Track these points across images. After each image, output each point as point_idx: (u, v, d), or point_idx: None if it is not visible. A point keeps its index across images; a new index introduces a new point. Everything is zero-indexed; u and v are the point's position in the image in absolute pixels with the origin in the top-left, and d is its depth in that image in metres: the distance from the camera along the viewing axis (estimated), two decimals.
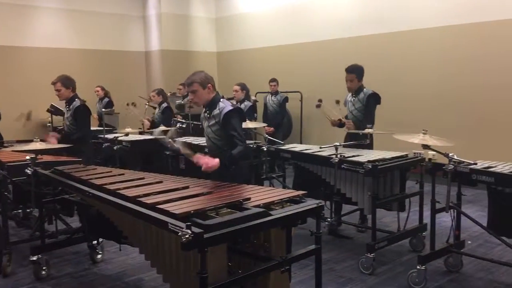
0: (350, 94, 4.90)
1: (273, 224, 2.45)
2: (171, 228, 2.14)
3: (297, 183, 4.84)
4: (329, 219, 4.62)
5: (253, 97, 8.35)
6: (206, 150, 3.83)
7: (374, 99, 4.77)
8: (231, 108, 3.49)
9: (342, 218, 4.83)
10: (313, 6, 8.92)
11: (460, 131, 6.68)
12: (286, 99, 8.24)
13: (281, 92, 8.36)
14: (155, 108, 7.22)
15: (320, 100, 5.00)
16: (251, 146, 5.05)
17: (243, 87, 6.36)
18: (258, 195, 2.71)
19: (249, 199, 2.59)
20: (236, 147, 3.40)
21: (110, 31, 10.02)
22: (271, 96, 8.29)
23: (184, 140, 3.32)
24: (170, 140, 3.71)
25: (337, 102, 4.95)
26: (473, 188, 3.60)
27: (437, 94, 7.19)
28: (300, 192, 2.81)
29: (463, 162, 3.46)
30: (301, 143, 8.57)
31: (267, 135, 5.30)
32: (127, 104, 6.87)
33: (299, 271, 3.79)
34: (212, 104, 3.54)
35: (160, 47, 10.26)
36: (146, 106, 7.44)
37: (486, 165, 3.44)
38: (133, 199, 2.60)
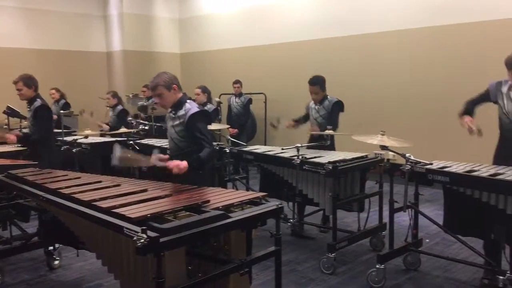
0: (312, 102, 4.93)
1: (232, 227, 2.43)
2: (126, 233, 2.10)
3: (263, 185, 4.86)
4: (292, 220, 4.65)
5: (217, 99, 8.32)
6: (168, 152, 3.77)
7: (338, 106, 4.83)
8: (197, 110, 3.43)
9: (305, 219, 4.87)
10: (277, 8, 8.97)
11: (417, 132, 6.86)
12: (250, 101, 8.25)
13: (245, 93, 8.36)
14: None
15: (274, 124, 5.09)
16: (214, 148, 5.02)
17: (204, 89, 6.32)
18: (218, 197, 2.69)
19: (208, 201, 2.57)
20: (204, 149, 3.33)
21: (69, 31, 9.78)
22: (235, 98, 8.28)
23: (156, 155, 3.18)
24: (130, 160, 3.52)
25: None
26: (431, 187, 3.70)
27: (395, 96, 7.37)
28: (260, 194, 2.81)
29: (420, 162, 3.54)
30: (265, 144, 8.60)
31: (230, 137, 5.27)
32: (80, 113, 6.73)
33: (261, 272, 3.79)
34: (178, 104, 3.47)
35: (122, 48, 10.09)
36: (108, 109, 7.30)
37: (442, 165, 3.53)
38: (88, 203, 2.53)
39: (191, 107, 3.44)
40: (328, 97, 4.84)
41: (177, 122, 3.45)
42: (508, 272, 3.17)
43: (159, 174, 3.33)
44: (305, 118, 5.05)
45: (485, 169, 3.31)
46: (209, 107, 6.27)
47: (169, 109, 3.53)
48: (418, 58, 7.13)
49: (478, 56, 6.46)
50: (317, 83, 4.79)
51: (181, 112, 3.43)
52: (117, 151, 3.17)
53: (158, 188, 2.91)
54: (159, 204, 2.50)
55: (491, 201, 3.12)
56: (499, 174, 3.15)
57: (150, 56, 10.33)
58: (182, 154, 3.39)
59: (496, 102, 3.60)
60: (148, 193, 2.76)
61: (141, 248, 1.95)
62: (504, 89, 3.54)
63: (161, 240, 2.00)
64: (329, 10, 8.18)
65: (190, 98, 3.61)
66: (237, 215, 2.43)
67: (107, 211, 2.38)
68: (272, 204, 2.64)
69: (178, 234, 2.09)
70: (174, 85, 3.42)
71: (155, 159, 3.17)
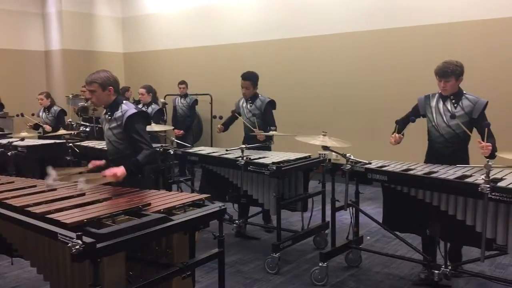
0: (243, 100, 4.93)
1: (174, 230, 2.40)
2: (61, 239, 2.02)
3: (204, 186, 4.82)
4: (237, 221, 4.65)
5: (162, 100, 8.21)
6: (107, 155, 3.66)
7: (271, 105, 4.87)
8: (134, 111, 3.34)
9: (250, 220, 4.88)
10: (222, 9, 8.96)
11: (358, 132, 7.09)
12: (195, 102, 8.18)
13: (191, 94, 8.28)
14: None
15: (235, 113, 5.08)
16: (158, 149, 4.95)
17: (149, 89, 6.20)
18: (159, 200, 2.65)
19: (149, 204, 2.52)
20: (141, 151, 3.23)
21: (5, 29, 9.32)
22: (181, 99, 8.18)
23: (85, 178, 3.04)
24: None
25: (236, 113, 5.00)
26: (373, 186, 3.82)
27: (336, 97, 7.57)
28: (203, 196, 2.79)
29: (360, 162, 3.64)
30: (212, 146, 8.57)
31: (173, 138, 5.20)
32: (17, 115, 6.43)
33: (206, 275, 3.77)
34: (114, 106, 3.37)
35: (61, 47, 9.72)
36: (41, 110, 7.01)
37: (380, 164, 3.65)
38: (21, 209, 2.42)
39: (128, 108, 3.34)
40: (260, 96, 4.86)
41: (114, 124, 3.35)
42: (443, 266, 3.32)
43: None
44: (232, 119, 5.06)
45: (421, 168, 3.45)
46: (154, 107, 6.16)
47: (104, 111, 3.44)
48: (358, 61, 7.36)
49: (416, 60, 6.74)
50: (250, 78, 4.81)
51: (118, 114, 3.34)
52: (52, 173, 3.00)
53: (96, 192, 2.82)
54: (97, 208, 2.42)
55: (426, 198, 3.26)
56: (434, 172, 3.29)
57: (91, 56, 10.02)
58: (121, 156, 3.30)
59: (424, 116, 3.73)
60: (86, 197, 2.68)
61: (77, 255, 1.89)
62: (433, 102, 3.67)
63: (98, 246, 1.94)
64: (274, 12, 8.27)
65: (127, 99, 3.51)
66: (179, 218, 2.40)
67: (41, 216, 2.28)
68: (215, 205, 2.63)
69: (116, 239, 2.03)
70: (111, 87, 3.32)
71: (92, 167, 3.09)
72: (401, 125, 3.79)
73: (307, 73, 7.88)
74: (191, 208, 2.62)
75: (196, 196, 2.74)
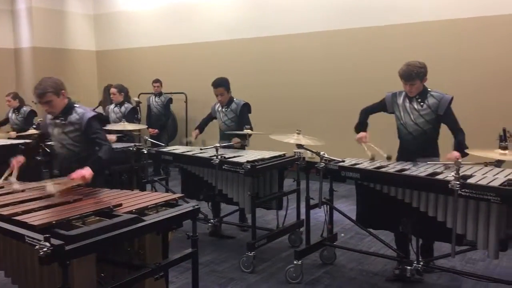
0: (219, 104, 4.91)
1: (146, 230, 2.37)
2: (28, 241, 1.97)
3: (185, 186, 4.79)
4: (212, 220, 4.62)
5: (136, 98, 8.10)
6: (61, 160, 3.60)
7: (247, 108, 4.86)
8: (94, 113, 3.39)
9: (225, 218, 4.86)
10: (196, 7, 8.90)
11: (331, 131, 7.13)
12: (170, 100, 8.11)
13: (165, 93, 8.21)
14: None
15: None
16: (131, 149, 4.89)
17: (121, 89, 6.11)
18: (131, 200, 2.61)
19: (120, 205, 2.48)
20: (101, 148, 3.26)
21: None
22: (155, 97, 8.10)
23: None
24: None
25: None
26: (347, 183, 3.85)
27: (310, 96, 7.61)
28: (177, 195, 2.77)
29: (333, 160, 3.67)
30: (187, 145, 8.50)
31: (147, 137, 5.13)
32: None
33: (181, 275, 3.73)
34: (67, 109, 3.36)
35: (31, 44, 9.47)
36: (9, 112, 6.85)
37: (354, 162, 3.68)
38: None
39: (85, 111, 3.38)
40: (235, 99, 4.86)
41: (70, 128, 3.35)
42: (415, 262, 3.37)
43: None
44: (206, 121, 5.03)
45: (392, 165, 3.50)
46: (126, 106, 6.08)
47: (53, 116, 3.40)
48: (332, 60, 7.42)
49: (388, 59, 6.81)
50: (222, 84, 4.79)
51: (74, 117, 3.34)
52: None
53: (67, 193, 2.76)
54: (66, 209, 2.38)
55: (398, 195, 3.30)
56: (405, 169, 3.34)
57: (63, 54, 9.80)
58: (78, 160, 3.26)
59: (392, 113, 3.78)
60: (56, 199, 2.61)
61: (44, 257, 1.84)
62: (400, 100, 3.72)
63: (67, 248, 1.90)
64: (248, 10, 8.26)
65: (75, 102, 3.50)
66: (151, 218, 2.37)
67: (8, 218, 2.22)
68: (189, 205, 2.61)
69: (86, 241, 1.99)
70: (63, 91, 3.32)
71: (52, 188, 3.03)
72: (363, 117, 3.89)
73: (281, 72, 7.89)
74: (164, 208, 2.60)
75: (169, 196, 2.71)
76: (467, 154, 3.28)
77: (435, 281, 3.64)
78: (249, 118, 4.86)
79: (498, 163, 3.31)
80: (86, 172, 2.95)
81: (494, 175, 3.06)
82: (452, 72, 6.24)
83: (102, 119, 3.55)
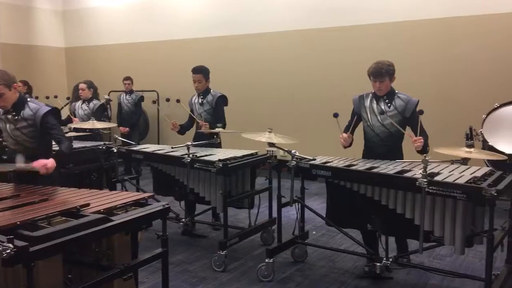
0: (196, 96, 4.88)
1: (114, 230, 2.33)
2: None
3: (157, 184, 4.75)
4: (183, 220, 4.59)
5: (106, 96, 7.97)
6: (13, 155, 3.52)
7: (223, 100, 4.83)
8: (48, 108, 3.33)
9: (197, 217, 4.83)
10: (168, 4, 8.81)
11: (303, 129, 7.20)
12: (141, 98, 8.00)
13: (137, 91, 8.09)
14: None
15: (178, 101, 4.93)
16: (101, 147, 4.80)
17: (90, 85, 6.00)
18: (99, 200, 2.57)
19: (88, 205, 2.43)
20: (62, 143, 3.27)
21: None
22: (126, 95, 7.98)
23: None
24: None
25: (177, 101, 4.91)
26: (319, 182, 3.87)
27: (282, 95, 7.66)
28: (146, 194, 2.73)
29: (305, 158, 3.69)
30: (158, 143, 8.43)
31: (117, 136, 5.05)
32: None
33: (151, 275, 3.69)
34: (19, 104, 3.29)
35: None
36: None
37: (325, 160, 3.71)
38: None
39: (39, 106, 3.33)
40: (212, 91, 4.82)
41: (24, 123, 3.29)
42: (384, 259, 3.43)
43: (24, 178, 3.18)
44: (190, 121, 4.99)
45: (362, 163, 3.54)
46: (95, 103, 5.97)
47: (2, 111, 3.34)
48: (303, 59, 7.47)
49: (359, 59, 6.89)
50: (201, 71, 4.75)
51: (28, 112, 3.28)
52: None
53: (32, 193, 2.69)
54: (31, 210, 2.31)
55: (368, 193, 3.34)
56: (375, 167, 3.38)
57: (30, 50, 9.56)
58: (33, 156, 3.19)
59: (360, 116, 3.81)
60: (21, 199, 2.55)
61: (8, 259, 1.78)
62: (367, 102, 3.76)
63: (31, 249, 1.85)
64: (220, 8, 8.23)
65: (28, 96, 3.46)
66: (119, 218, 2.33)
67: None
68: (158, 204, 2.58)
69: (51, 242, 1.94)
70: (15, 84, 3.26)
71: (20, 162, 3.03)
72: (348, 124, 3.85)
73: (253, 71, 7.90)
74: (133, 207, 2.56)
75: (139, 195, 2.68)
76: (426, 153, 3.34)
77: (404, 277, 3.70)
78: (224, 112, 4.83)
79: (464, 161, 3.39)
80: (49, 162, 2.95)
81: (460, 173, 3.13)
82: (419, 72, 6.37)
83: (57, 114, 3.51)
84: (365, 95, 3.80)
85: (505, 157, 3.61)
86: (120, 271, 2.30)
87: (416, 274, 3.74)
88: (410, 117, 3.61)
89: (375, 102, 3.72)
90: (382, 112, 3.64)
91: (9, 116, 3.30)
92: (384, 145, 3.70)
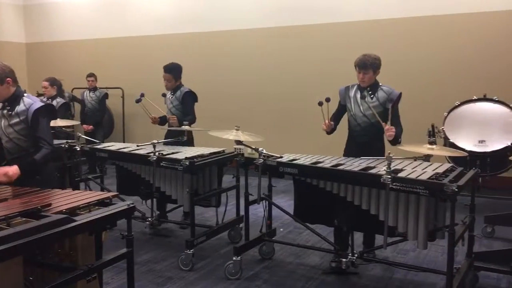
0: (169, 93, 4.87)
1: (77, 231, 2.26)
2: None
3: (121, 183, 4.66)
4: (150, 219, 4.52)
5: (69, 93, 7.80)
6: (6, 154, 3.38)
7: (191, 96, 4.80)
8: (41, 104, 3.14)
9: (164, 216, 4.78)
10: (134, 0, 8.67)
11: (270, 127, 7.23)
12: (106, 96, 7.84)
13: (101, 88, 7.92)
14: None
15: (142, 95, 4.84)
16: (63, 146, 4.67)
17: (53, 82, 5.84)
18: (62, 200, 2.50)
19: (49, 205, 2.36)
20: (41, 150, 3.06)
21: None
22: (89, 92, 7.80)
23: None
24: None
25: (163, 95, 4.87)
26: (286, 179, 3.88)
27: (250, 93, 7.68)
28: (111, 194, 2.68)
29: (272, 156, 3.70)
30: (124, 141, 8.28)
31: (80, 134, 4.93)
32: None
33: (117, 276, 3.63)
34: (14, 99, 3.13)
35: None
36: None
37: (291, 158, 3.72)
38: None
39: (32, 101, 3.14)
40: (182, 87, 4.83)
41: (16, 119, 3.11)
42: (350, 254, 3.47)
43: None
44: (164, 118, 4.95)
45: (329, 161, 3.57)
46: (59, 101, 5.82)
47: (1, 105, 3.18)
48: (271, 57, 7.50)
49: (327, 57, 6.98)
50: (171, 71, 4.75)
51: (21, 108, 3.11)
52: None
53: None
54: None
55: (334, 189, 3.38)
56: (340, 164, 3.42)
57: None
58: (25, 155, 3.07)
59: (345, 106, 3.90)
60: None
61: None
62: (352, 93, 3.86)
63: None
64: (187, 5, 8.16)
65: (25, 91, 3.29)
66: (82, 218, 2.27)
67: None
68: (123, 204, 2.53)
69: (11, 244, 1.87)
70: (8, 78, 3.09)
71: None
72: (334, 120, 3.92)
73: (220, 68, 7.88)
74: (97, 207, 2.50)
75: (103, 195, 2.62)
76: (398, 143, 3.52)
77: (369, 272, 3.77)
78: (193, 107, 4.82)
79: (427, 158, 3.47)
80: (11, 170, 2.78)
81: (423, 169, 3.20)
82: (384, 71, 6.46)
83: (51, 111, 3.28)
84: (351, 86, 3.90)
85: (465, 154, 3.74)
86: (84, 272, 2.25)
87: (380, 269, 3.81)
88: (391, 109, 3.71)
89: (359, 93, 3.81)
90: (363, 97, 3.73)
91: (5, 112, 3.13)
92: (366, 134, 3.80)
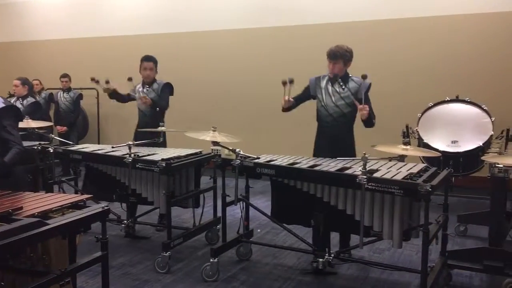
0: (140, 85, 4.90)
1: (50, 235, 2.21)
2: None
3: (90, 186, 4.58)
4: (125, 221, 4.46)
5: (45, 93, 7.67)
6: None
7: (168, 88, 4.91)
8: (2, 105, 3.03)
9: (140, 218, 4.72)
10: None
11: (247, 127, 7.23)
12: (80, 96, 7.72)
13: (75, 88, 7.79)
14: None
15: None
16: (35, 148, 4.57)
17: (24, 81, 5.73)
18: (34, 203, 2.44)
19: (21, 208, 2.30)
20: (10, 151, 2.97)
21: None
22: (63, 93, 7.67)
23: None
24: None
25: (129, 79, 4.86)
26: (264, 180, 3.88)
27: (225, 93, 7.67)
28: (84, 196, 2.63)
29: (249, 157, 3.70)
30: (99, 143, 8.17)
31: (53, 135, 4.83)
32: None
33: (91, 279, 3.57)
34: None
35: None
36: None
37: (269, 158, 3.73)
38: None
39: None
40: (157, 80, 4.89)
41: None
42: (327, 254, 3.50)
43: None
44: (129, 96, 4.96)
45: (306, 161, 3.59)
46: (29, 100, 5.71)
47: None
48: (247, 58, 7.52)
49: (301, 58, 7.01)
50: (152, 60, 4.86)
51: None
52: None
53: None
54: None
55: (311, 190, 3.40)
56: (317, 165, 3.44)
57: None
58: None
59: (315, 97, 3.94)
60: None
61: None
62: (323, 83, 3.89)
63: None
64: (162, 5, 8.11)
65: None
66: (55, 222, 2.22)
67: None
68: (97, 206, 2.48)
69: None
70: None
71: None
72: (295, 101, 3.93)
73: (196, 69, 7.85)
74: (70, 210, 2.45)
75: (76, 197, 2.57)
76: (372, 125, 3.62)
77: (346, 272, 3.80)
78: (168, 99, 4.86)
79: (401, 158, 3.52)
80: None
81: (398, 169, 3.24)
82: (359, 72, 6.54)
83: (15, 111, 3.17)
84: (322, 77, 3.93)
85: (439, 154, 3.81)
86: (57, 277, 2.20)
87: (357, 268, 3.85)
88: (363, 99, 3.75)
89: (330, 83, 3.85)
90: (338, 94, 3.77)
91: None
92: (337, 125, 3.84)
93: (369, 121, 3.68)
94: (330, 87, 3.85)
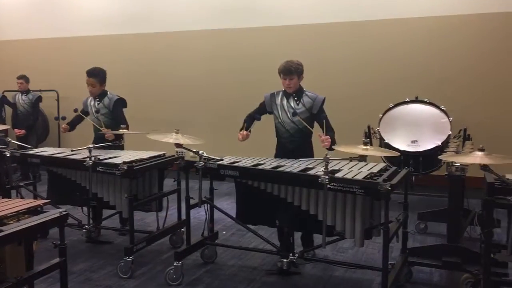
0: (91, 98, 4.70)
1: (5, 241, 2.15)
2: None
3: (52, 190, 4.45)
4: (86, 226, 4.36)
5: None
6: None
7: (121, 103, 4.67)
8: None
9: (102, 223, 4.62)
10: None
11: (211, 129, 7.21)
12: (39, 99, 7.50)
13: (34, 90, 7.57)
14: None
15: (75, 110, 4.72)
16: None
17: None
18: None
19: None
20: None
21: None
22: (22, 95, 7.43)
23: None
24: None
25: (75, 110, 4.72)
26: (229, 182, 3.87)
27: (188, 95, 7.62)
28: (41, 201, 2.57)
29: (212, 158, 3.68)
30: (59, 146, 7.97)
31: (10, 139, 4.67)
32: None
33: (50, 287, 3.47)
34: None
35: None
36: None
37: (232, 160, 3.72)
38: None
39: None
40: (109, 93, 4.67)
41: None
42: (291, 255, 3.52)
43: None
44: (78, 119, 4.80)
45: (269, 162, 3.60)
46: None
47: None
48: (208, 60, 7.49)
49: (268, 59, 7.02)
50: (95, 75, 4.57)
51: None
52: None
53: None
54: None
55: (275, 191, 3.42)
56: (280, 166, 3.46)
57: None
58: None
59: (271, 113, 3.96)
60: None
61: None
62: (278, 100, 3.92)
63: None
64: (125, 6, 7.97)
65: None
66: (10, 228, 2.16)
67: None
68: (55, 212, 2.43)
69: None
70: None
71: None
72: (248, 122, 3.97)
73: (160, 71, 7.77)
74: (26, 216, 2.38)
75: (33, 202, 2.50)
76: (333, 149, 3.52)
77: (310, 271, 3.83)
78: (123, 114, 4.67)
79: (362, 158, 3.58)
80: None
81: (359, 169, 3.30)
82: (323, 74, 6.63)
83: None
84: (276, 93, 3.94)
85: (398, 154, 3.89)
86: (13, 285, 2.14)
87: (321, 268, 3.89)
88: (317, 114, 3.80)
89: (285, 99, 3.87)
90: (294, 114, 3.78)
91: None
92: (295, 140, 3.86)
93: (331, 148, 3.60)
94: (285, 103, 3.87)
